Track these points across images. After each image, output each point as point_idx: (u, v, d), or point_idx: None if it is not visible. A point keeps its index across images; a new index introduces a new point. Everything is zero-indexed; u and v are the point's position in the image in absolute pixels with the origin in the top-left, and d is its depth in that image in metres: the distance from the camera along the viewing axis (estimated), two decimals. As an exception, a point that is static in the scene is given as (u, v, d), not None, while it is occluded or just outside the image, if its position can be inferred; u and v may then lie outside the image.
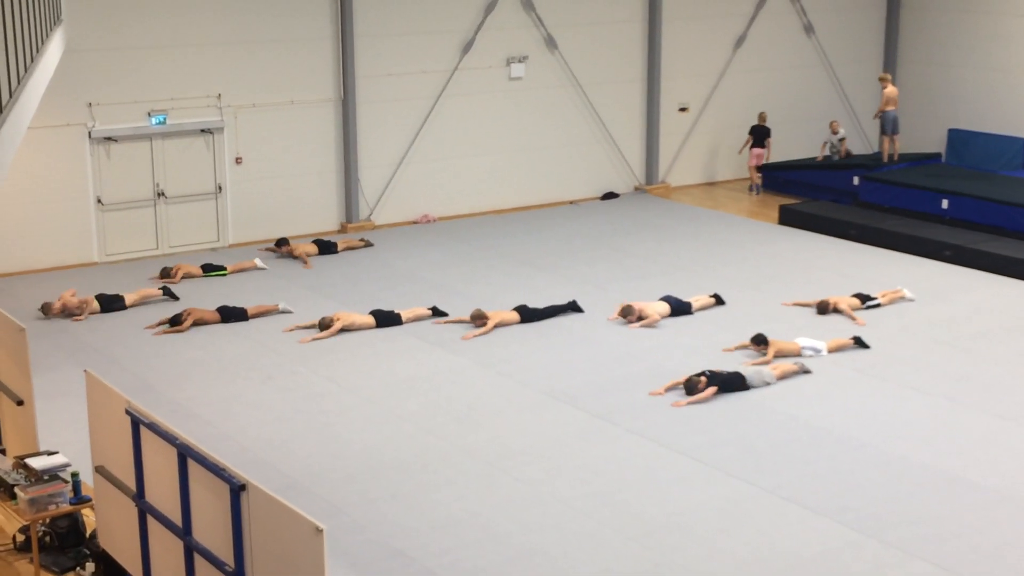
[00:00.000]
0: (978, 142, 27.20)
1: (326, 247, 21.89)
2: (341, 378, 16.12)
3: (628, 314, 18.12)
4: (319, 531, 7.75)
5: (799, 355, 16.61)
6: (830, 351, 16.81)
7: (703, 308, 18.74)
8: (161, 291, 19.18)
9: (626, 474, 13.30)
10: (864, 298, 18.81)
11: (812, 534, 11.96)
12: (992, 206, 22.71)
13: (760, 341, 16.71)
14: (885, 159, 26.17)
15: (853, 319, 18.15)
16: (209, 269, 20.59)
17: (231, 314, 18.22)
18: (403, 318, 18.14)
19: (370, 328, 17.83)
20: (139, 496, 9.97)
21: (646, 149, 27.12)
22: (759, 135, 26.99)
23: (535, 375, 16.21)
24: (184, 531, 9.31)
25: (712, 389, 15.19)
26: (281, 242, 21.71)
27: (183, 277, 20.21)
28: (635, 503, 12.61)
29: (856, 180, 25.44)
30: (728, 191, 27.48)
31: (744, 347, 16.94)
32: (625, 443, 14.08)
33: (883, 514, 12.34)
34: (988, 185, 23.86)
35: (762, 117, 27.10)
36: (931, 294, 19.64)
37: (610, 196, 26.57)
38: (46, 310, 18.43)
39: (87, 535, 11.50)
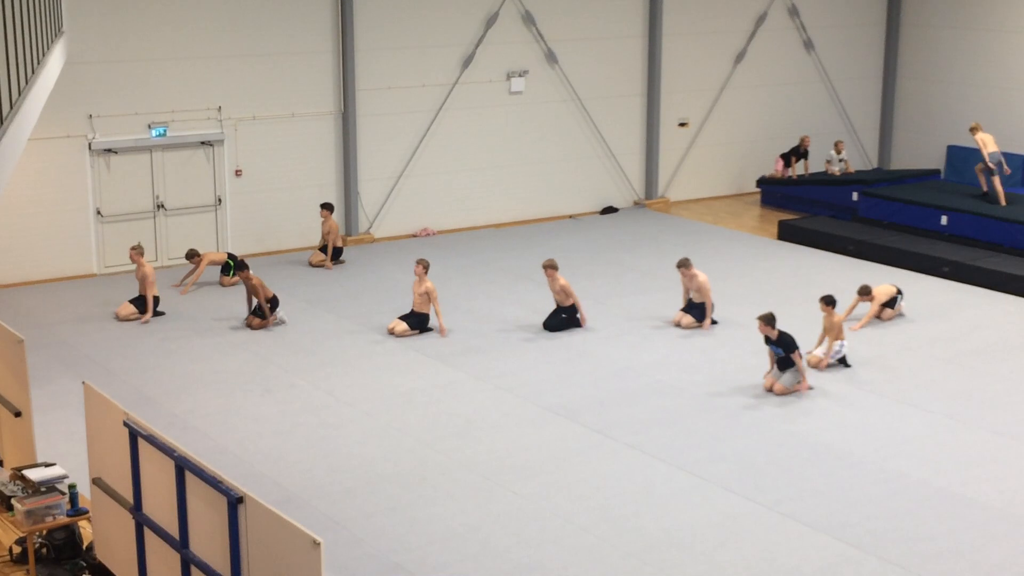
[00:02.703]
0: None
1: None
2: (340, 391, 16.11)
3: (865, 293, 18.70)
4: (316, 544, 7.73)
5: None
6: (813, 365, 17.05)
7: (691, 327, 18.69)
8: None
9: (625, 489, 13.28)
10: (899, 291, 19.34)
11: (811, 550, 11.94)
12: (991, 222, 22.74)
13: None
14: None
15: (869, 315, 18.86)
16: (232, 258, 20.75)
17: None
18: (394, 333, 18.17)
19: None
20: (136, 508, 9.95)
21: (646, 164, 27.14)
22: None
23: (534, 389, 16.19)
24: (181, 544, 9.30)
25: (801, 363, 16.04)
26: (326, 206, 22.02)
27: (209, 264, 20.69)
28: (634, 518, 12.59)
29: (855, 196, 25.46)
30: (727, 206, 27.49)
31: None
32: (624, 458, 14.07)
33: (882, 530, 12.33)
34: (987, 202, 23.85)
35: (805, 141, 27.18)
36: (930, 310, 19.64)
37: (610, 211, 26.59)
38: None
39: (84, 547, 11.47)
